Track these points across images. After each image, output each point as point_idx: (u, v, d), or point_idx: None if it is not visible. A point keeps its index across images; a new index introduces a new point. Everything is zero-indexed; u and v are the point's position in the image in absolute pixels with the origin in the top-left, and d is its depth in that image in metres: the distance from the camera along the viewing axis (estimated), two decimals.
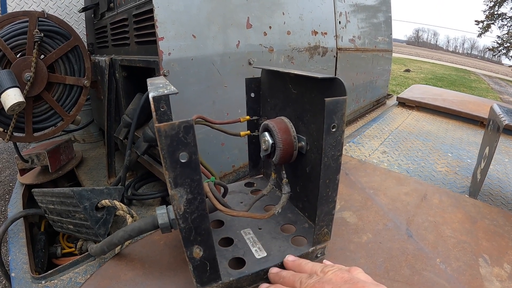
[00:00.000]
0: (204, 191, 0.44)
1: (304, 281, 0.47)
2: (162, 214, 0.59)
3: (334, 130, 0.50)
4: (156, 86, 0.50)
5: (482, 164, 1.04)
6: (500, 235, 0.79)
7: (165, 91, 0.44)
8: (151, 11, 0.85)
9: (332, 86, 0.52)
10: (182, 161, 0.39)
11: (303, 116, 0.62)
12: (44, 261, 1.04)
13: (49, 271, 0.78)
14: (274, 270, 0.56)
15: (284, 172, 0.66)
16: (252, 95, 0.80)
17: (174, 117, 0.66)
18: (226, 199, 0.68)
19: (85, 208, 0.79)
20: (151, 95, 0.43)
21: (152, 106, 0.41)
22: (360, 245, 0.72)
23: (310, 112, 0.59)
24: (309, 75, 0.53)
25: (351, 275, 0.46)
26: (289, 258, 0.57)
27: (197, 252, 0.46)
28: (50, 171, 1.33)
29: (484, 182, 1.01)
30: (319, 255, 0.63)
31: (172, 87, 0.47)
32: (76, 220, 0.83)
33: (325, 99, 0.47)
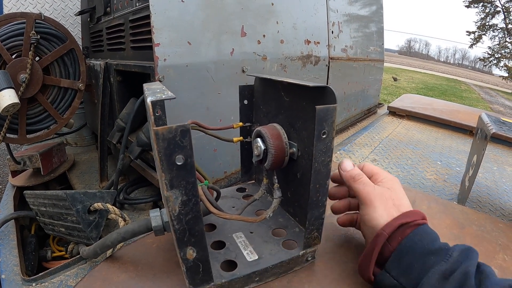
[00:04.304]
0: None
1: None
2: (155, 216, 0.59)
3: (324, 136, 0.52)
4: (153, 91, 0.51)
5: (470, 171, 1.06)
6: (487, 241, 0.81)
7: (163, 96, 0.46)
8: (148, 17, 0.86)
9: (323, 94, 0.54)
10: (178, 163, 0.40)
11: (294, 123, 0.64)
12: (34, 264, 1.04)
13: (40, 274, 0.77)
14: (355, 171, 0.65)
15: (275, 177, 0.67)
16: (245, 102, 0.81)
17: (168, 122, 0.67)
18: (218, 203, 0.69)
19: (78, 210, 0.79)
20: (149, 99, 0.44)
21: (150, 110, 0.43)
22: (350, 249, 0.74)
23: (302, 119, 0.61)
24: (301, 83, 0.55)
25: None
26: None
27: (191, 253, 0.47)
28: (42, 173, 1.32)
29: (472, 189, 1.03)
30: (309, 259, 0.65)
31: (169, 92, 0.48)
32: (68, 223, 0.83)
33: (316, 106, 0.49)
